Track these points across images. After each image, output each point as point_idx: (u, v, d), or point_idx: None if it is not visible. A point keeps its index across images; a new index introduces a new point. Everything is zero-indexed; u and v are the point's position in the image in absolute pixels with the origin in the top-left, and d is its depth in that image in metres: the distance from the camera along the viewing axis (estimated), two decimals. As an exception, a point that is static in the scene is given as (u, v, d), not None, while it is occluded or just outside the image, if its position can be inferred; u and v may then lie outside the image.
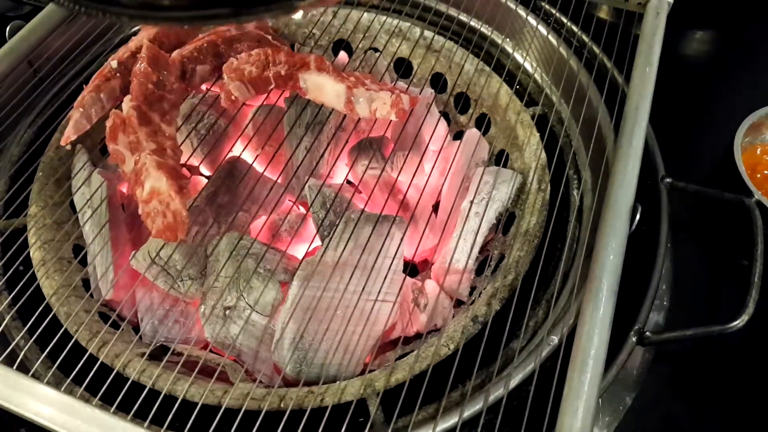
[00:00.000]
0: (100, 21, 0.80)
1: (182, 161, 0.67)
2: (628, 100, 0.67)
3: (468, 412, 0.53)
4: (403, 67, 0.85)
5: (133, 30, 0.83)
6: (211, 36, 0.73)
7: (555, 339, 0.57)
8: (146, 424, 0.50)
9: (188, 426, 0.51)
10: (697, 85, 0.90)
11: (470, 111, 0.82)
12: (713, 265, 0.74)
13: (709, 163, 0.79)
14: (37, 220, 0.68)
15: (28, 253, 0.66)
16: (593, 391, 0.49)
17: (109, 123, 0.64)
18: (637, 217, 0.59)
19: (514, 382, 0.55)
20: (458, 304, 0.69)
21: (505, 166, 0.77)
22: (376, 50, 0.85)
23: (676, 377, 0.65)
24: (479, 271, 0.71)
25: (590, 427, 0.48)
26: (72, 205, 0.72)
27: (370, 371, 0.60)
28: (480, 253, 0.69)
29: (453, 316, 0.68)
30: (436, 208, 0.77)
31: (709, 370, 0.66)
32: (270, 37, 0.75)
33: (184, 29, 0.74)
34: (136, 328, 0.67)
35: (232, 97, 0.70)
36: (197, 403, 0.54)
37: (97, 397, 0.53)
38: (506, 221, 0.71)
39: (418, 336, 0.68)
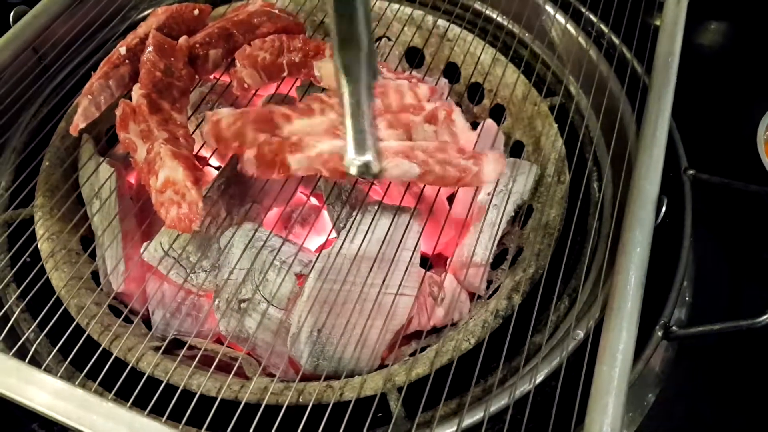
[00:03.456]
0: (106, 6, 0.78)
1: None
2: (651, 90, 0.66)
3: (493, 407, 0.52)
4: (417, 58, 0.83)
5: (141, 16, 0.81)
6: (221, 22, 0.71)
7: (580, 333, 0.56)
8: (164, 419, 0.49)
9: (207, 422, 0.49)
10: (715, 77, 0.89)
11: (485, 101, 0.80)
12: (735, 258, 0.72)
13: (729, 155, 0.78)
14: (44, 211, 0.66)
15: (36, 244, 0.64)
16: (623, 386, 0.48)
17: (118, 112, 0.63)
18: (663, 209, 0.57)
19: (540, 377, 0.53)
20: (473, 298, 0.68)
21: (520, 157, 0.76)
22: (389, 39, 0.83)
23: (699, 373, 0.64)
24: (494, 264, 0.69)
25: (620, 423, 0.47)
26: (80, 195, 0.70)
27: (387, 366, 0.59)
28: (496, 246, 0.68)
29: (469, 311, 0.66)
30: (450, 200, 0.76)
31: (733, 365, 0.65)
32: (278, 12, 0.72)
33: (193, 15, 0.72)
34: (147, 322, 0.65)
35: (245, 85, 0.68)
36: (212, 398, 0.52)
37: (112, 393, 0.51)
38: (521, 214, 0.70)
39: (434, 331, 0.67)
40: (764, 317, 0.54)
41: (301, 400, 0.54)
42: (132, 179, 0.74)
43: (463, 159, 0.59)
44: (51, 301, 0.57)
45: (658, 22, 0.73)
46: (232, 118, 0.59)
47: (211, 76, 0.73)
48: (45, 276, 0.61)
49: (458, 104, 0.82)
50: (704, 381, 0.64)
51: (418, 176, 0.59)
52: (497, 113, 0.79)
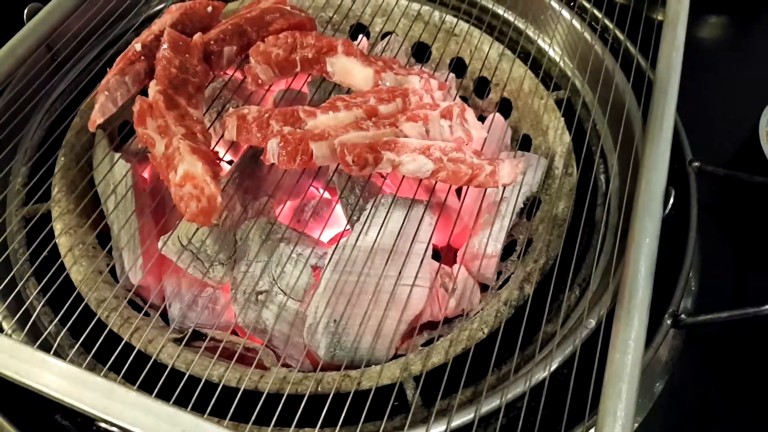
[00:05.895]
0: (118, 3, 0.78)
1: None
2: (656, 83, 0.67)
3: (510, 395, 0.53)
4: (426, 54, 0.84)
5: (154, 11, 0.81)
6: (234, 19, 0.72)
7: (592, 322, 0.57)
8: (189, 408, 0.50)
9: (231, 411, 0.50)
10: (715, 70, 0.90)
11: (492, 96, 0.82)
12: (740, 248, 0.74)
13: (731, 147, 0.79)
14: (61, 206, 0.67)
15: (53, 239, 0.65)
16: (636, 373, 0.50)
17: (136, 108, 0.63)
18: (671, 200, 0.59)
19: (554, 365, 0.55)
20: (483, 289, 0.69)
21: (527, 150, 0.77)
22: (396, 35, 0.84)
23: (707, 361, 0.66)
24: (503, 256, 0.71)
25: (634, 408, 0.48)
26: (96, 190, 0.70)
27: (401, 356, 0.60)
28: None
29: (480, 301, 0.68)
30: (460, 193, 0.77)
31: (740, 353, 0.67)
32: (290, 9, 0.73)
33: (206, 12, 0.73)
34: (164, 316, 0.66)
35: (259, 81, 0.69)
36: (230, 389, 0.53)
37: (136, 385, 0.52)
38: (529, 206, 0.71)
39: (444, 322, 0.68)
40: (771, 305, 0.56)
41: (319, 389, 0.56)
42: (146, 174, 0.75)
43: (477, 159, 0.60)
44: (72, 296, 0.58)
45: (660, 17, 0.74)
46: (257, 113, 0.60)
47: (225, 72, 0.73)
48: (65, 272, 0.62)
49: (464, 98, 0.84)
50: (712, 368, 0.66)
51: (432, 172, 0.60)
52: (503, 108, 0.80)
